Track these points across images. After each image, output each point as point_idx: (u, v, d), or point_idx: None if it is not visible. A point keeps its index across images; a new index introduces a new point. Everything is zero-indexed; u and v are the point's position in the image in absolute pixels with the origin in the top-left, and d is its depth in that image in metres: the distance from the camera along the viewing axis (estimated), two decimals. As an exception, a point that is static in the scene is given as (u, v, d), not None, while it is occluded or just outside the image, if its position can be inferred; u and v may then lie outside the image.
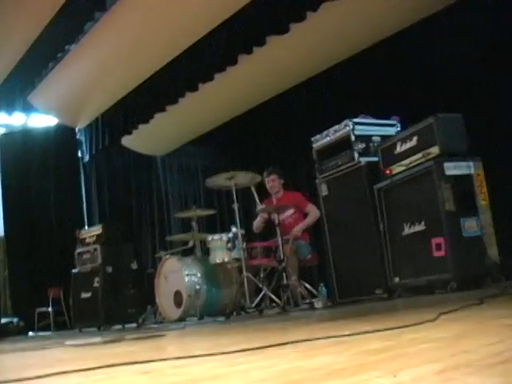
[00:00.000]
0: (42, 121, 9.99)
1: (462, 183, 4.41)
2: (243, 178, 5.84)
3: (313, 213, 6.04)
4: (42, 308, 8.75)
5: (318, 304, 5.22)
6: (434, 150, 4.50)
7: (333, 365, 1.22)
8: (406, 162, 4.76)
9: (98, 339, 3.67)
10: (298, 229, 5.96)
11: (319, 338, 1.84)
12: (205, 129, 9.30)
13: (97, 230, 7.87)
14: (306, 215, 6.16)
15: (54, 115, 9.62)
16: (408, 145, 4.77)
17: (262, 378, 1.16)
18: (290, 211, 6.13)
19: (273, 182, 6.28)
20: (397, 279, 4.84)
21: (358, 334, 1.84)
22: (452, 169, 4.40)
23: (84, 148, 10.18)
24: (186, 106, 8.17)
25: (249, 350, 1.73)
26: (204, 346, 2.50)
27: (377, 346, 1.51)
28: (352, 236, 5.32)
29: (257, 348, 1.74)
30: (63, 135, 10.13)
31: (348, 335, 1.85)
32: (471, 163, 4.46)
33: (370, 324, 2.37)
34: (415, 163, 4.66)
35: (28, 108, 9.34)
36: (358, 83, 6.80)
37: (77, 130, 10.30)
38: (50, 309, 8.70)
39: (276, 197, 6.15)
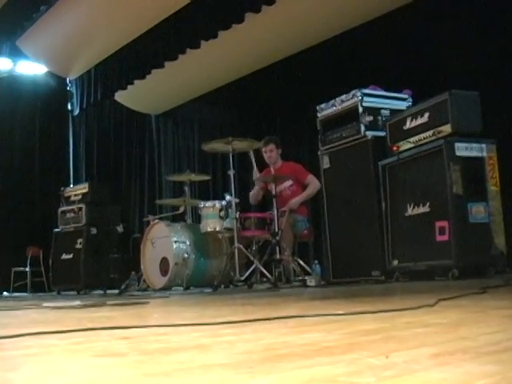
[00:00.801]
0: (31, 68, 9.82)
1: (473, 166, 4.41)
2: (242, 144, 5.81)
3: (313, 184, 6.04)
4: (18, 267, 8.73)
5: (311, 282, 5.26)
6: (446, 129, 4.49)
7: (322, 342, 1.23)
8: (415, 139, 4.75)
9: (77, 303, 3.69)
10: (295, 200, 5.97)
11: (310, 316, 1.85)
12: (204, 89, 9.23)
13: (83, 188, 7.87)
14: (305, 188, 6.16)
15: (44, 62, 9.50)
16: (418, 121, 4.75)
17: (247, 350, 1.17)
18: (288, 182, 6.13)
19: (270, 152, 6.27)
20: (395, 262, 4.87)
21: (352, 314, 1.85)
22: (463, 150, 4.40)
23: (74, 100, 10.11)
24: (186, 63, 8.09)
25: (235, 322, 1.75)
26: (188, 316, 2.51)
27: (370, 327, 1.52)
28: (351, 213, 5.33)
29: (244, 321, 1.75)
30: (53, 85, 10.01)
31: (340, 314, 1.86)
32: (484, 145, 4.46)
33: (364, 305, 2.39)
34: (425, 141, 4.65)
35: (16, 53, 9.20)
36: (371, 52, 6.74)
37: (68, 80, 10.20)
38: (27, 269, 8.71)
39: (274, 167, 6.15)
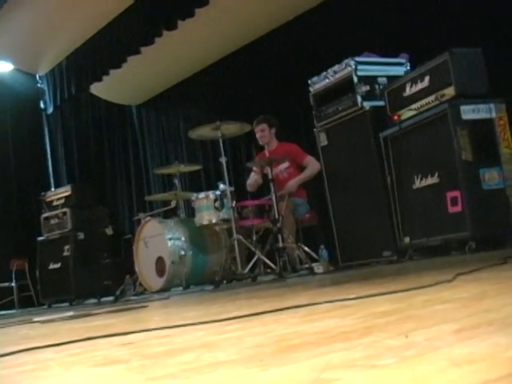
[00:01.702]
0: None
1: (482, 129, 4.41)
2: (231, 128, 5.81)
3: (312, 165, 6.03)
4: (3, 283, 8.73)
5: (319, 268, 5.27)
6: (449, 91, 4.48)
7: (336, 328, 1.24)
8: (417, 105, 4.74)
9: (70, 314, 3.69)
10: (293, 182, 5.97)
11: (320, 303, 1.86)
12: (186, 73, 9.21)
13: (65, 191, 7.86)
14: (303, 170, 6.16)
15: (9, 59, 9.45)
16: (419, 86, 4.75)
17: (257, 343, 1.17)
18: (285, 164, 6.13)
19: (262, 132, 6.26)
20: (407, 239, 4.88)
21: (365, 297, 1.86)
22: (470, 112, 4.40)
23: (47, 98, 10.08)
24: (163, 46, 8.06)
25: (242, 317, 1.75)
26: (191, 315, 2.52)
27: (386, 309, 1.52)
28: (355, 191, 5.34)
29: (251, 315, 1.76)
30: (21, 83, 9.96)
31: (353, 299, 1.87)
32: (492, 105, 4.45)
33: (377, 287, 2.40)
34: (427, 107, 4.65)
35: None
36: (361, 17, 6.71)
37: (37, 76, 10.16)
38: (13, 283, 8.71)
39: (268, 149, 6.14)
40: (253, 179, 6.42)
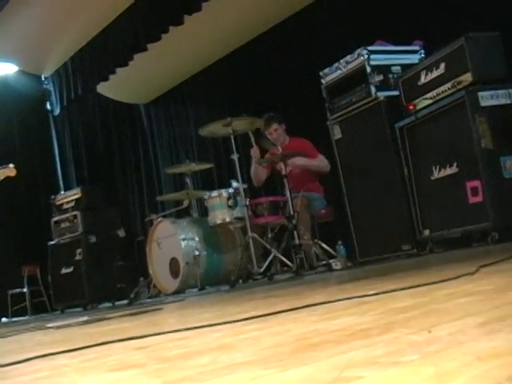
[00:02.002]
0: (0, 68, 9.77)
1: (501, 115, 4.38)
2: (242, 124, 5.80)
3: (322, 162, 6.03)
4: (15, 289, 8.78)
5: (337, 265, 5.27)
6: (466, 78, 4.45)
7: (356, 326, 1.23)
8: (433, 93, 4.72)
9: (84, 319, 3.72)
10: (298, 158, 5.90)
11: (339, 300, 1.86)
12: (194, 69, 9.22)
13: (75, 193, 7.90)
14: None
15: (13, 61, 9.49)
16: (434, 74, 4.72)
17: (276, 343, 1.17)
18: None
19: (276, 132, 6.23)
20: (427, 232, 4.86)
21: (385, 292, 1.86)
22: (488, 99, 4.36)
23: (53, 99, 10.13)
24: (170, 43, 8.07)
25: (259, 316, 1.76)
26: (207, 316, 2.53)
27: (407, 304, 1.52)
28: (372, 184, 5.32)
29: (268, 314, 1.76)
30: (27, 84, 10.01)
31: (372, 295, 1.86)
32: (511, 90, 4.42)
33: (397, 282, 2.39)
34: (444, 95, 4.62)
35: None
36: (373, 5, 6.68)
37: (43, 77, 10.21)
38: (25, 289, 8.77)
39: (281, 146, 6.13)
40: (258, 171, 6.36)
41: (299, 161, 5.93)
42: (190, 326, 1.82)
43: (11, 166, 5.29)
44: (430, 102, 4.75)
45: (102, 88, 9.54)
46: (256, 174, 6.40)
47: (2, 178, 5.34)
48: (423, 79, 4.83)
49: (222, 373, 0.94)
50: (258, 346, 1.17)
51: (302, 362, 0.91)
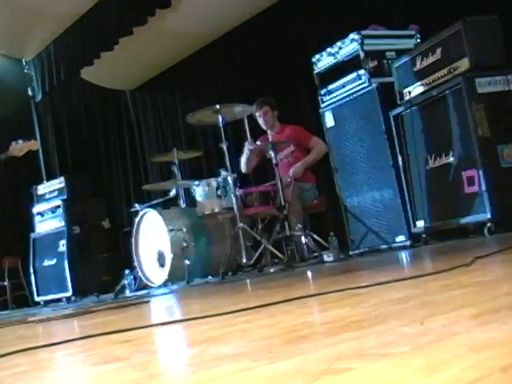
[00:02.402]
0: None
1: (499, 102, 4.39)
2: (232, 111, 5.79)
3: (318, 146, 6.03)
4: (-5, 282, 8.75)
5: (329, 257, 5.27)
6: (463, 64, 4.46)
7: (348, 317, 1.24)
8: (428, 80, 4.73)
9: (67, 312, 3.72)
10: (299, 166, 5.95)
11: (331, 292, 1.86)
12: (182, 54, 9.18)
13: (58, 183, 7.88)
14: (309, 152, 6.14)
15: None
16: (430, 59, 4.72)
17: (264, 336, 1.18)
18: (290, 148, 6.12)
19: (265, 115, 6.24)
20: (421, 223, 4.88)
21: (378, 284, 1.87)
22: (485, 85, 4.38)
23: (35, 84, 10.06)
24: (157, 26, 8.03)
25: (249, 309, 1.76)
26: (195, 309, 2.53)
27: (400, 296, 1.53)
28: (365, 174, 5.34)
29: (258, 306, 1.77)
30: (7, 69, 9.94)
31: (365, 287, 1.88)
32: (510, 77, 4.43)
33: (391, 274, 2.41)
34: (440, 81, 4.63)
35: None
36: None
37: (24, 62, 10.14)
38: (5, 283, 8.72)
39: (272, 132, 6.12)
40: (249, 159, 6.36)
41: (300, 166, 5.94)
42: (177, 318, 1.82)
43: (33, 141, 5.34)
44: (426, 88, 4.76)
45: (86, 73, 9.47)
46: (248, 162, 6.40)
47: (25, 151, 5.41)
48: (419, 65, 4.84)
49: (210, 365, 0.94)
50: (247, 339, 1.18)
51: (292, 354, 0.91)
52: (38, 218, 7.88)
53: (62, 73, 9.18)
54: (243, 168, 6.47)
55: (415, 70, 4.86)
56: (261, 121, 6.26)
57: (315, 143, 6.08)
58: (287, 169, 5.95)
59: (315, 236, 5.63)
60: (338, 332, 1.07)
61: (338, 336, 1.02)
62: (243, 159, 6.41)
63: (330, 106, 5.62)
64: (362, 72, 5.24)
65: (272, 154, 5.50)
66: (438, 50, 4.66)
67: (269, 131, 6.08)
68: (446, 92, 4.54)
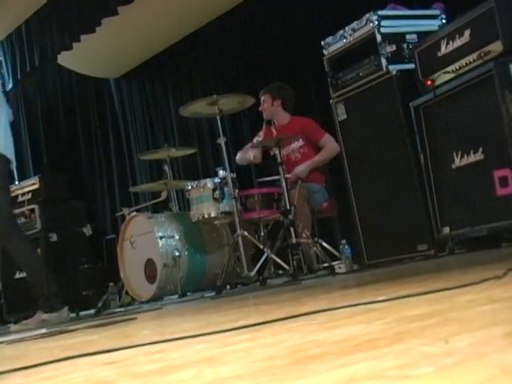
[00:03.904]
0: None
1: (536, 92, 4.39)
2: (231, 103, 5.80)
3: (329, 146, 6.03)
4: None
5: (341, 268, 5.29)
6: (496, 47, 4.45)
7: (362, 336, 1.25)
8: (455, 66, 4.72)
9: (42, 332, 3.72)
10: (303, 166, 5.94)
11: (343, 307, 1.87)
12: (175, 37, 9.19)
13: (32, 183, 7.89)
14: (319, 150, 6.15)
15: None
16: (457, 42, 4.72)
17: (268, 356, 1.18)
18: (298, 143, 6.12)
19: (264, 104, 6.24)
20: (446, 230, 4.88)
21: (396, 298, 1.87)
22: (521, 72, 4.37)
23: (4, 71, 10.08)
24: (145, 4, 8.05)
25: (250, 326, 1.77)
26: (189, 326, 2.54)
27: (422, 311, 1.53)
28: (382, 173, 5.33)
29: (260, 323, 1.77)
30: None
31: (382, 301, 1.88)
32: (550, 63, 4.43)
33: (411, 287, 2.41)
34: (468, 67, 4.63)
35: None
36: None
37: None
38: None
39: (278, 124, 6.12)
40: (247, 153, 6.38)
41: (305, 167, 5.95)
42: (168, 337, 1.83)
43: None
44: (452, 76, 4.76)
45: (64, 59, 9.49)
46: (244, 158, 6.42)
47: None
48: (444, 49, 4.84)
49: (206, 389, 0.95)
50: (249, 359, 1.18)
51: (298, 377, 0.92)
52: (9, 224, 7.88)
53: (36, 58, 9.19)
54: (240, 161, 6.49)
55: (440, 55, 4.86)
56: (260, 109, 6.28)
57: (326, 141, 6.08)
58: (293, 167, 5.95)
59: (325, 244, 5.65)
60: (350, 352, 1.07)
61: (351, 356, 1.02)
62: (241, 153, 6.42)
63: (343, 97, 5.61)
64: (378, 58, 5.24)
65: (276, 151, 5.50)
66: (467, 32, 4.65)
67: (274, 123, 6.09)
68: (476, 80, 4.54)
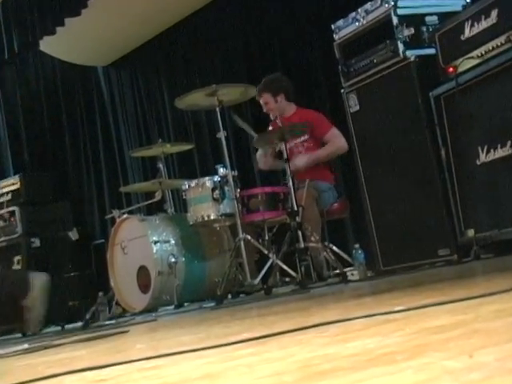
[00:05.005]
0: None
1: None
2: (231, 93, 5.81)
3: (336, 141, 6.02)
4: None
5: (353, 275, 5.29)
6: (525, 30, 4.46)
7: (378, 349, 1.25)
8: (480, 51, 4.72)
9: (24, 347, 3.73)
10: (304, 157, 5.93)
11: (357, 318, 1.87)
12: (169, 21, 9.19)
13: (11, 183, 7.90)
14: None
15: None
16: (483, 24, 4.72)
17: (275, 371, 1.19)
18: (303, 137, 6.11)
19: (266, 106, 6.23)
20: (471, 233, 4.87)
21: (415, 308, 1.87)
22: (554, 57, 4.38)
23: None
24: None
25: (254, 339, 1.77)
26: (187, 340, 2.55)
27: (444, 322, 1.54)
28: (399, 171, 5.33)
29: (266, 336, 1.78)
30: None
31: (400, 311, 1.88)
32: None
33: (432, 296, 2.41)
34: (494, 52, 4.62)
35: None
36: None
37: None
38: None
39: (284, 116, 6.11)
40: (263, 157, 6.41)
41: (304, 158, 5.94)
42: (164, 352, 1.83)
43: None
44: (477, 62, 4.75)
45: (47, 45, 9.49)
46: (263, 159, 6.44)
47: None
48: (468, 32, 4.83)
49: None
50: (254, 375, 1.19)
51: (308, 394, 0.92)
52: (-14, 228, 7.90)
53: (16, 44, 9.18)
54: (261, 166, 6.53)
55: (463, 38, 4.86)
56: (264, 111, 6.27)
57: (332, 136, 6.06)
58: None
59: (336, 248, 5.65)
60: (365, 366, 1.08)
61: (366, 371, 1.03)
62: (258, 157, 6.46)
63: (355, 86, 5.61)
64: (395, 42, 5.24)
65: (282, 145, 5.49)
66: (494, 13, 4.65)
67: (279, 117, 6.09)
68: (504, 66, 4.54)
